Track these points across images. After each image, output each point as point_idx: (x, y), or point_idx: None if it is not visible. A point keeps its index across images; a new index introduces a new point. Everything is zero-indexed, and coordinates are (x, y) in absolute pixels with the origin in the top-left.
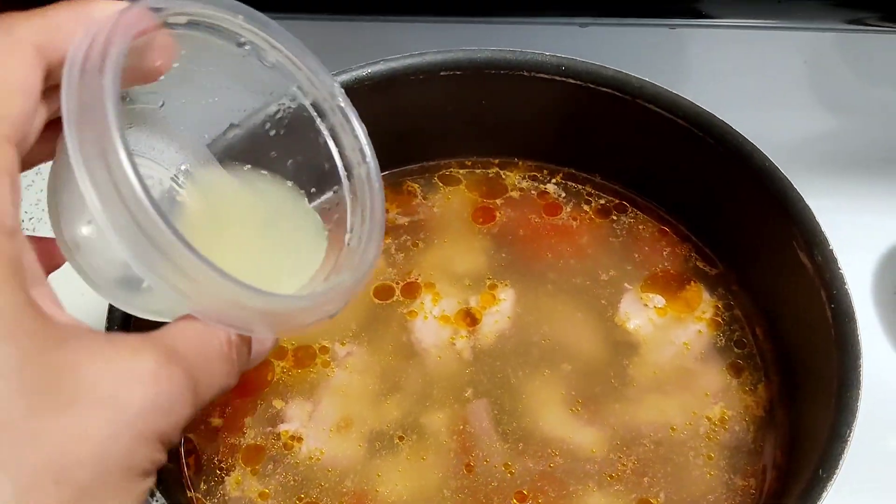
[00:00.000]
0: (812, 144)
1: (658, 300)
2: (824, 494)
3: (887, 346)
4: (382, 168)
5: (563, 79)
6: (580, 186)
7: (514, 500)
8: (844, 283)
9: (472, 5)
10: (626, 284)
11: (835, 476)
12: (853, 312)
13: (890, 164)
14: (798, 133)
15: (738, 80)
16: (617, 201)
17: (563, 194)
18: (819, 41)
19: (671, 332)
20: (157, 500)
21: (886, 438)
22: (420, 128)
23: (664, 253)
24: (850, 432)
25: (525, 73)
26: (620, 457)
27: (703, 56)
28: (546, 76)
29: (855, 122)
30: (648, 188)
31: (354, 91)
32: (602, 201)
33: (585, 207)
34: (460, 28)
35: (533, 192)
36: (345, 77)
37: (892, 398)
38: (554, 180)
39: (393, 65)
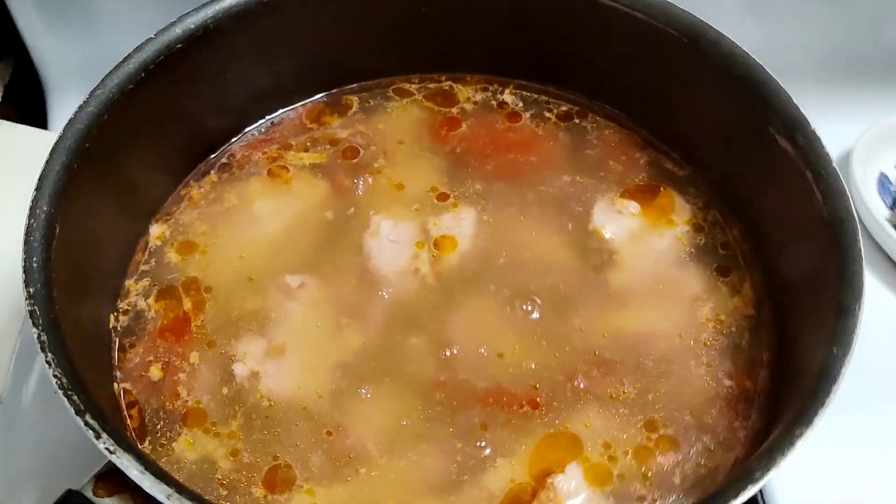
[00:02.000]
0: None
1: (633, 206)
2: (843, 371)
3: None
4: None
5: None
6: (536, 96)
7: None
8: (832, 162)
9: None
10: (595, 193)
11: (850, 352)
12: (845, 190)
13: (827, 74)
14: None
15: None
16: (576, 108)
17: (521, 104)
18: None
19: (649, 238)
20: (103, 441)
21: None
22: (358, 44)
23: (630, 159)
24: (860, 306)
25: None
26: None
27: None
28: None
29: (791, 32)
30: (605, 95)
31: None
32: (563, 108)
33: (547, 114)
34: None
35: (492, 101)
36: None
37: None
38: (508, 91)
39: None
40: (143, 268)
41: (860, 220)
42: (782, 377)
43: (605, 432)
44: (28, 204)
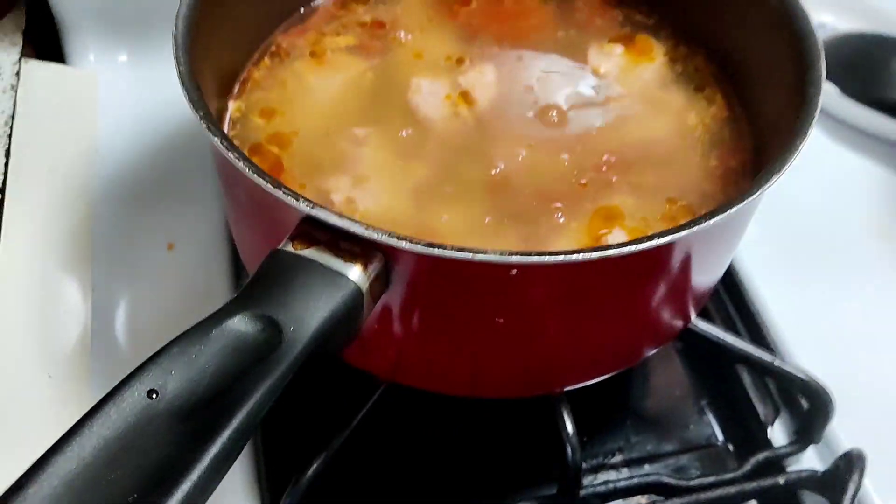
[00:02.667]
0: None
1: (618, 48)
2: (818, 102)
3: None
4: None
5: None
6: None
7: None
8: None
9: None
10: (587, 42)
11: (821, 85)
12: None
13: None
14: None
15: None
16: None
17: None
18: None
19: (636, 71)
20: None
21: None
22: None
23: (609, 15)
24: (821, 59)
25: None
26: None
27: None
28: None
29: None
30: None
31: None
32: None
33: None
34: None
35: None
36: None
37: None
38: None
39: None
40: (231, 133)
41: None
42: (762, 152)
43: (637, 207)
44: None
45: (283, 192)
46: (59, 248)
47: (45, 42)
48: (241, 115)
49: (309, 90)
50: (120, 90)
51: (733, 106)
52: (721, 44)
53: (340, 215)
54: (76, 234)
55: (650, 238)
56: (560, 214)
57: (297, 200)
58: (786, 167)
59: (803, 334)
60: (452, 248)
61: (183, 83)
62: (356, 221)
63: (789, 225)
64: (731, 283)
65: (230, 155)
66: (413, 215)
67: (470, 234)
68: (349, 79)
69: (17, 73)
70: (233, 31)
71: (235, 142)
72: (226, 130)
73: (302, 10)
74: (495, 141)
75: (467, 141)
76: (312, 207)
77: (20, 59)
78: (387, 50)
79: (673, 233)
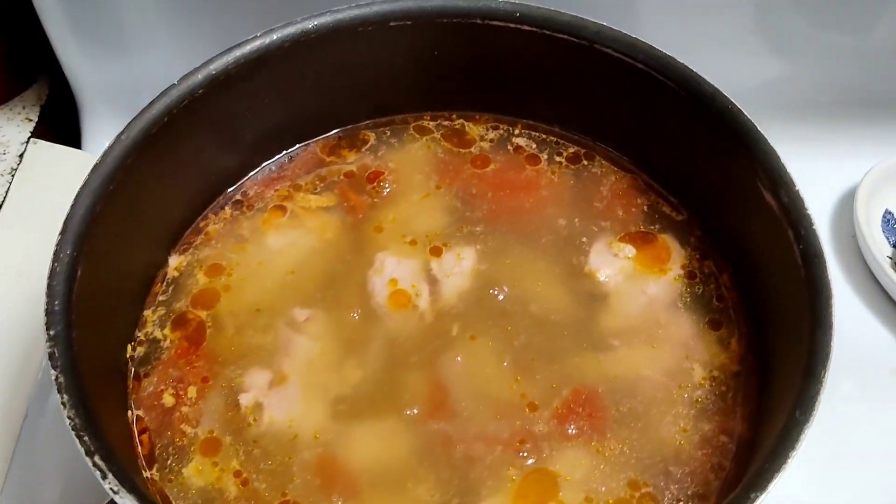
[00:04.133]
0: (764, 89)
1: (629, 250)
2: (802, 437)
3: (848, 289)
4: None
5: (518, 25)
6: (545, 136)
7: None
8: (812, 224)
9: None
10: (595, 235)
11: (812, 417)
12: (822, 252)
13: (839, 109)
14: (750, 78)
15: (691, 25)
16: (583, 151)
17: (535, 145)
18: None
19: (643, 281)
20: (108, 482)
21: (840, 381)
22: (373, 82)
23: (630, 201)
24: (825, 372)
25: (478, 21)
26: (592, 411)
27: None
28: (500, 23)
29: (806, 67)
30: (609, 137)
31: (300, 44)
32: (571, 150)
33: (557, 157)
34: None
35: (508, 145)
36: (290, 29)
37: (850, 343)
38: (516, 131)
39: (339, 16)
40: (160, 298)
41: (862, 257)
42: (759, 429)
43: (587, 479)
44: (52, 248)
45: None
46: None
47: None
48: (177, 276)
49: (261, 253)
50: None
51: (749, 357)
52: (752, 277)
53: None
54: None
55: None
56: (489, 473)
57: (104, 480)
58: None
59: None
60: None
61: None
62: None
63: None
64: None
65: None
66: (322, 440)
67: (381, 474)
68: (311, 245)
69: (20, 155)
70: (187, 177)
71: (162, 310)
72: (157, 291)
73: (285, 154)
74: (448, 353)
75: (418, 345)
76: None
77: (29, 140)
78: (365, 211)
79: None
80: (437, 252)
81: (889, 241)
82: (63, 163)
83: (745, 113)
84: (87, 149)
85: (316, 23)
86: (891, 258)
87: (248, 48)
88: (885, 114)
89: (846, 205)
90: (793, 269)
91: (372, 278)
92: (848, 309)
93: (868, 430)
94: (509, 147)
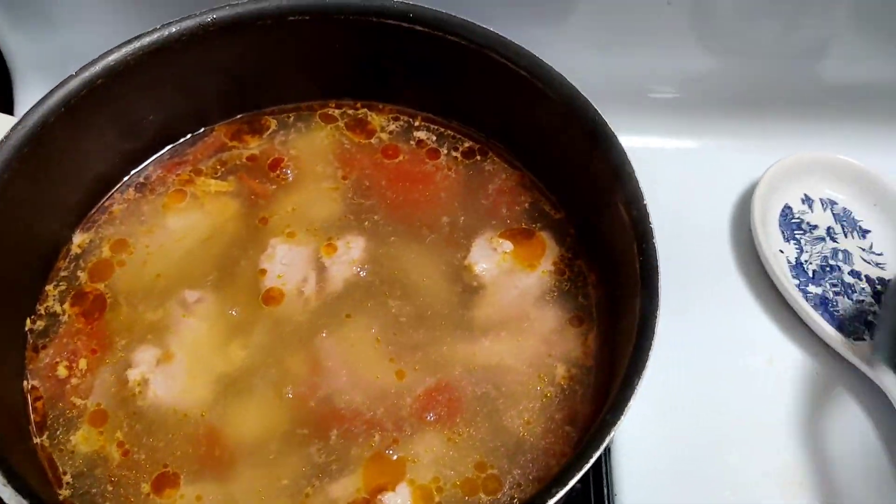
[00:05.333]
0: (691, 83)
1: (507, 245)
2: (609, 437)
3: (739, 279)
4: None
5: (411, 25)
6: (443, 130)
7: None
8: (653, 239)
9: None
10: (478, 229)
11: (621, 418)
12: (657, 267)
13: (758, 104)
14: (678, 72)
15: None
16: (478, 146)
17: (434, 138)
18: None
19: (516, 275)
20: None
21: (718, 367)
22: (276, 71)
23: (515, 198)
24: (640, 380)
25: (373, 19)
26: (451, 399)
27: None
28: (394, 22)
29: (733, 63)
30: (500, 135)
31: (199, 37)
32: (466, 144)
33: (454, 152)
34: None
35: (410, 139)
36: (189, 23)
37: (733, 332)
38: (416, 123)
39: (239, 10)
40: (62, 273)
41: (757, 251)
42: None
43: (438, 461)
44: None
45: None
46: None
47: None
48: (80, 252)
49: (161, 235)
50: None
51: (604, 353)
52: (612, 263)
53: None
54: None
55: None
56: (349, 452)
57: None
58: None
59: None
60: None
61: None
62: None
63: None
64: None
65: None
66: (203, 412)
67: (256, 448)
68: (210, 227)
69: None
70: (90, 160)
71: (63, 285)
72: (59, 267)
73: (189, 136)
74: (327, 337)
75: (301, 329)
76: None
77: None
78: (262, 197)
79: None
80: (329, 240)
81: (784, 235)
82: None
83: (610, 126)
84: (19, 114)
85: (215, 16)
86: (783, 252)
87: (146, 40)
88: (798, 110)
89: (745, 197)
90: (633, 278)
91: (263, 263)
92: (737, 299)
93: (742, 417)
94: (412, 141)
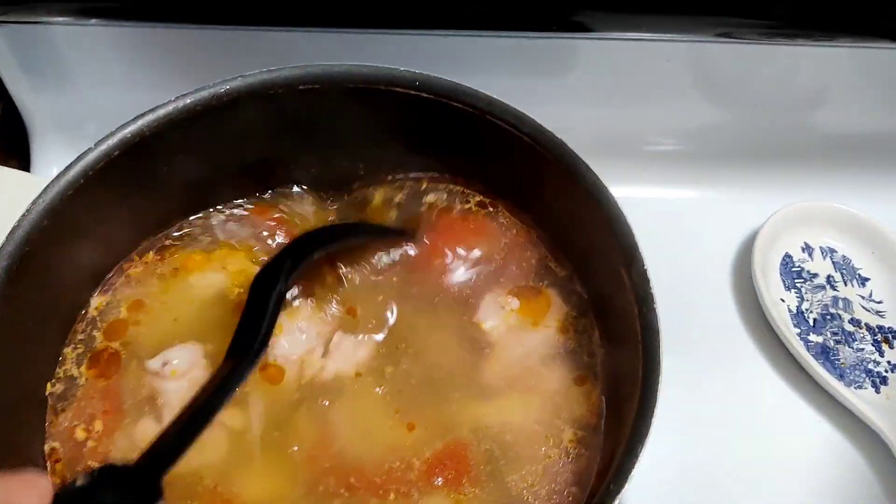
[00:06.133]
0: (696, 134)
1: (514, 302)
2: None
3: (740, 328)
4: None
5: (419, 93)
6: (452, 186)
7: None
8: (654, 304)
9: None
10: (488, 286)
11: (623, 488)
12: (658, 330)
13: (752, 155)
14: (682, 122)
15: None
16: (488, 200)
17: (445, 196)
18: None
19: (523, 333)
20: None
21: (726, 415)
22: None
23: (523, 255)
24: (642, 448)
25: (382, 87)
26: (460, 463)
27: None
28: (402, 90)
29: (735, 115)
30: (507, 194)
31: (212, 108)
32: (477, 199)
33: (466, 205)
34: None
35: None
36: (205, 93)
37: (736, 380)
38: (423, 187)
39: (250, 81)
40: (79, 336)
41: (758, 300)
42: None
43: None
44: None
45: None
46: None
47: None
48: (97, 315)
49: (179, 298)
50: None
51: (607, 415)
52: (615, 322)
53: None
54: None
55: None
56: None
57: None
58: None
59: None
60: None
61: None
62: None
63: None
64: None
65: None
66: (209, 477)
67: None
68: (223, 291)
69: None
70: (107, 237)
71: (81, 347)
72: (78, 330)
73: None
74: (336, 398)
75: (312, 390)
76: None
77: None
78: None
79: None
80: (351, 312)
81: (784, 284)
82: (8, 185)
83: (609, 190)
84: (36, 171)
85: (228, 87)
86: (783, 300)
87: (162, 111)
88: (797, 160)
89: (747, 246)
90: (634, 341)
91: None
92: (739, 349)
93: (746, 469)
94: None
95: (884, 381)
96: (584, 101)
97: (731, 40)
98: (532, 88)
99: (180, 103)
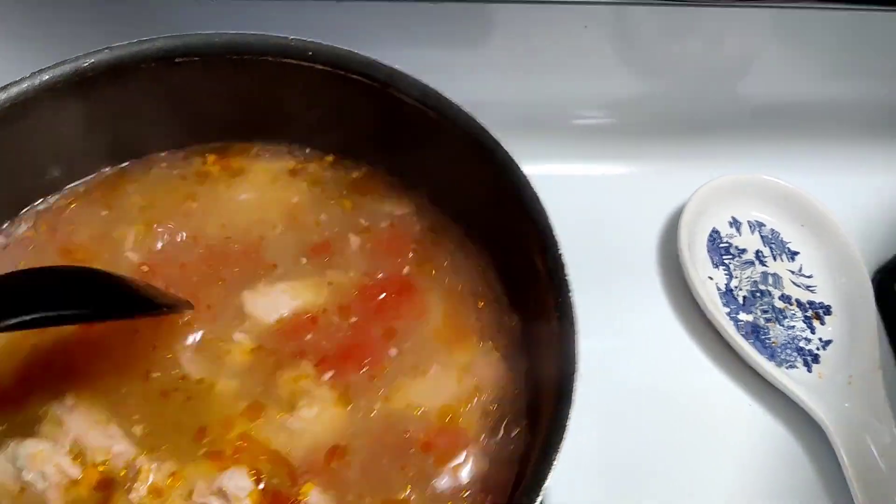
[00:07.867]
0: (621, 106)
1: None
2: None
3: (668, 309)
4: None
5: (312, 64)
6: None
7: None
8: (570, 290)
9: None
10: None
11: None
12: (574, 321)
13: (678, 128)
14: (607, 95)
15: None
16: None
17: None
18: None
19: None
20: None
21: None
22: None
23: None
24: (557, 454)
25: (270, 59)
26: None
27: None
28: (293, 61)
29: (662, 85)
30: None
31: (76, 84)
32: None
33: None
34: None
35: None
36: (66, 68)
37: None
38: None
39: (118, 53)
40: None
41: (685, 278)
42: None
43: None
44: None
45: None
46: None
47: None
48: None
49: None
50: None
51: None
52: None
53: None
54: None
55: None
56: None
57: None
58: None
59: None
60: None
61: None
62: None
63: None
64: None
65: None
66: None
67: None
68: None
69: None
70: None
71: None
72: None
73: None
74: None
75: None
76: None
77: None
78: None
79: None
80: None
81: (712, 261)
82: None
83: (534, 152)
84: None
85: (93, 60)
86: (712, 278)
87: (14, 91)
88: (724, 132)
89: (672, 222)
90: (552, 334)
91: None
92: (666, 330)
93: (672, 450)
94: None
95: (815, 359)
96: (500, 73)
97: (653, 2)
98: (443, 60)
99: (37, 80)
